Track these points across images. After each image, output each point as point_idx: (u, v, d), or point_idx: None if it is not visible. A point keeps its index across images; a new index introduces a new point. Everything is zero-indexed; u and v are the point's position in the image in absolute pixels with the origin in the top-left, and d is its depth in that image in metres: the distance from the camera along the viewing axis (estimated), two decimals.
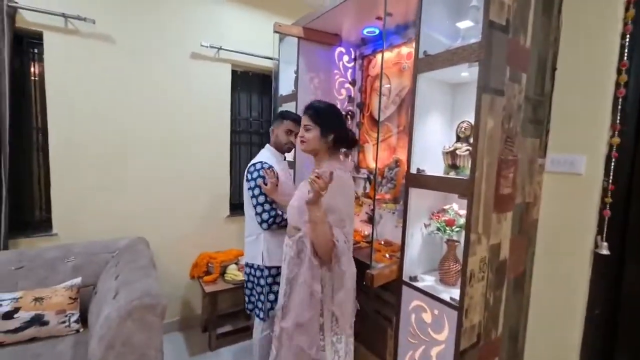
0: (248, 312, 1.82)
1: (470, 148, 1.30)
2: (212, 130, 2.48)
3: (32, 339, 1.53)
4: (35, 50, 1.98)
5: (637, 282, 1.32)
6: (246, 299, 1.80)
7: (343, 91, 2.49)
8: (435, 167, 1.41)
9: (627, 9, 1.24)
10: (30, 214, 2.04)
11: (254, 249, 1.71)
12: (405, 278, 1.44)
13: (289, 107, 2.39)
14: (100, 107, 2.05)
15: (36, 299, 1.55)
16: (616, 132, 1.28)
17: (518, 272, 1.45)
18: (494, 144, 1.19)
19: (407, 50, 2.10)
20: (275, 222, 1.62)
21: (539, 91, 1.38)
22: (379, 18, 1.99)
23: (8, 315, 1.48)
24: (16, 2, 1.75)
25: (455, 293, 1.30)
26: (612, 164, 1.28)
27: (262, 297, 1.70)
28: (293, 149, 1.92)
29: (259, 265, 1.69)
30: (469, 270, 1.18)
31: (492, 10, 1.09)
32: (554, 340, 1.46)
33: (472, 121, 1.34)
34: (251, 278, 1.75)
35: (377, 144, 1.55)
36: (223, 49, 2.39)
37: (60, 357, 1.44)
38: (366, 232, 2.08)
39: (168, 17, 2.21)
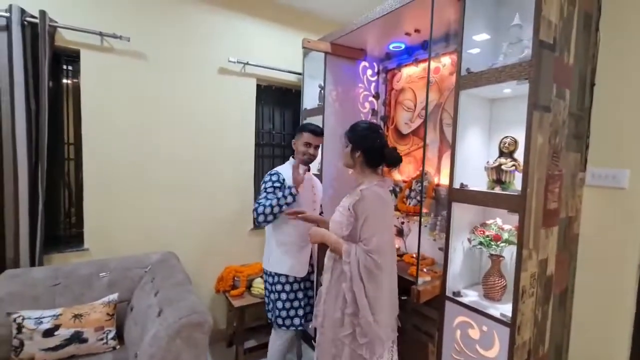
0: (269, 321, 1.85)
1: (515, 163, 1.31)
2: (237, 143, 2.50)
3: (71, 357, 1.51)
4: (70, 68, 2.01)
5: None
6: (266, 306, 1.88)
7: (367, 104, 2.52)
8: (474, 181, 1.42)
9: None
10: (60, 228, 2.05)
11: (266, 253, 1.82)
12: (448, 293, 1.44)
13: (314, 120, 2.41)
14: (132, 122, 2.08)
15: (75, 316, 1.54)
16: None
17: (562, 288, 1.44)
18: (542, 159, 1.20)
19: (433, 64, 2.14)
20: (258, 213, 1.59)
21: (580, 106, 1.39)
22: (407, 34, 2.03)
23: (49, 333, 1.47)
24: (56, 22, 1.79)
25: (501, 309, 1.29)
26: None
27: (271, 303, 1.79)
28: (313, 161, 1.89)
29: (265, 270, 1.79)
30: (521, 286, 1.18)
31: (542, 30, 1.11)
32: (600, 354, 1.44)
33: (514, 136, 1.37)
34: (265, 283, 1.84)
35: (424, 158, 1.53)
36: (249, 64, 2.43)
37: None
38: (397, 246, 2.07)
39: (197, 33, 2.25)
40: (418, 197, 2.09)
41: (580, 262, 1.50)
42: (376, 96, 2.54)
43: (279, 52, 2.60)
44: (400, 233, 2.14)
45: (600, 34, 1.43)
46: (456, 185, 1.39)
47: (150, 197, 2.17)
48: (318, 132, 1.80)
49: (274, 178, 1.72)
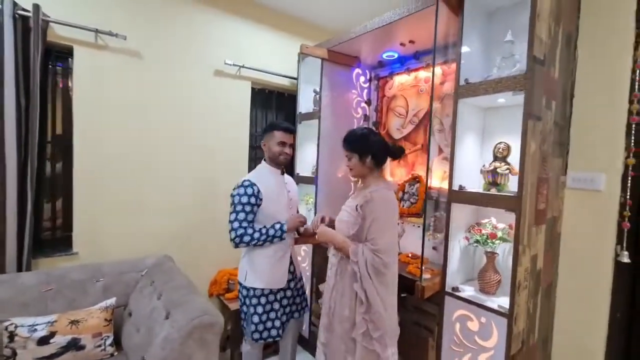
0: (243, 333, 1.75)
1: (509, 167, 1.43)
2: (232, 146, 2.49)
3: None
4: (60, 64, 1.94)
5: None
6: (241, 319, 1.76)
7: (359, 110, 2.61)
8: (468, 183, 1.52)
9: (636, 48, 1.44)
10: (46, 231, 1.95)
11: (242, 267, 1.69)
12: (447, 289, 1.52)
13: (310, 124, 2.47)
14: (126, 122, 2.02)
15: (72, 322, 1.48)
16: (631, 154, 1.45)
17: (548, 282, 1.57)
18: (535, 164, 1.32)
19: (424, 74, 2.26)
20: (243, 242, 1.54)
21: (562, 116, 1.54)
22: (402, 44, 2.13)
23: (44, 341, 1.40)
24: (48, 17, 1.72)
25: (497, 301, 1.40)
26: (629, 181, 1.45)
27: (246, 318, 1.67)
28: (288, 159, 1.76)
29: (241, 284, 1.66)
30: (517, 280, 1.28)
31: (535, 47, 1.24)
32: (580, 343, 1.58)
33: (508, 142, 1.49)
34: (239, 296, 1.72)
35: (428, 161, 1.61)
36: (245, 67, 2.44)
37: None
38: None
39: (195, 35, 2.24)
40: (411, 199, 2.19)
41: (562, 257, 1.65)
42: (368, 102, 2.63)
43: (274, 57, 2.63)
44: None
45: (578, 51, 1.59)
46: (455, 187, 1.49)
47: (142, 200, 2.12)
48: (291, 129, 1.71)
49: (249, 191, 1.56)
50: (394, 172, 2.48)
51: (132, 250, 2.06)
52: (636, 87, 1.44)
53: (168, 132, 2.18)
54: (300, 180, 2.50)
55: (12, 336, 1.37)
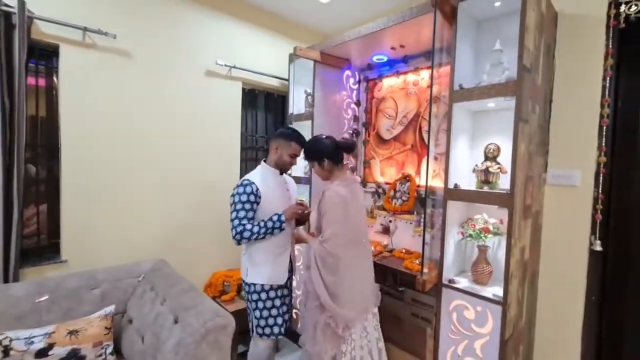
0: (250, 329, 1.76)
1: (500, 166, 1.55)
2: (223, 147, 2.47)
3: None
4: (43, 63, 1.84)
5: (617, 270, 1.66)
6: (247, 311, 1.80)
7: (350, 111, 2.67)
8: (460, 182, 1.62)
9: (606, 58, 1.61)
10: (30, 238, 1.84)
11: (243, 263, 1.73)
12: (444, 281, 1.62)
13: (301, 125, 2.50)
14: (115, 123, 1.96)
15: (71, 332, 1.42)
16: (602, 153, 1.62)
17: (533, 269, 1.71)
18: (523, 162, 1.44)
19: (413, 77, 2.36)
20: (244, 238, 1.56)
21: (543, 119, 1.69)
22: (392, 48, 2.22)
23: (42, 353, 1.34)
24: (32, 13, 1.64)
25: (491, 291, 1.51)
26: (601, 177, 1.62)
27: (250, 313, 1.72)
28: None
29: (244, 280, 1.70)
30: (510, 270, 1.40)
31: (524, 56, 1.35)
32: (560, 323, 1.73)
33: (498, 143, 1.61)
34: (243, 292, 1.78)
35: (428, 161, 1.69)
36: (235, 68, 2.42)
37: None
38: (385, 243, 2.24)
39: (186, 35, 2.20)
40: (403, 197, 2.28)
41: (543, 247, 1.80)
42: (357, 103, 2.70)
43: (264, 57, 2.64)
44: (386, 230, 2.31)
45: (556, 60, 1.74)
46: (450, 186, 1.59)
47: (133, 203, 2.06)
48: (305, 145, 1.73)
49: (248, 190, 1.59)
50: (384, 171, 2.58)
51: (123, 256, 1.99)
52: (606, 93, 1.61)
53: (158, 133, 2.13)
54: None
55: (6, 350, 1.30)
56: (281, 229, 1.63)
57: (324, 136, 1.68)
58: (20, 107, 1.58)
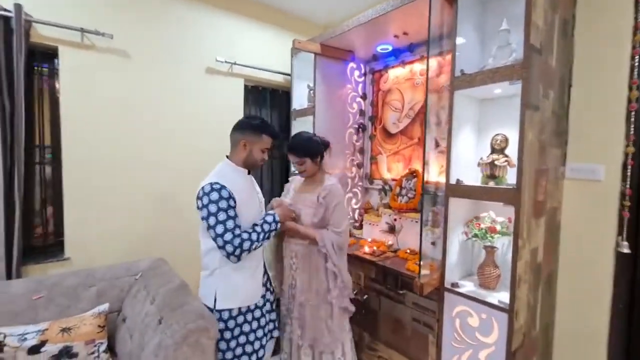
0: None
1: (507, 159, 1.40)
2: (225, 145, 2.44)
3: None
4: (45, 66, 1.88)
5: None
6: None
7: (355, 105, 2.56)
8: (465, 176, 1.49)
9: (634, 34, 1.41)
10: (37, 237, 1.91)
11: (206, 287, 1.43)
12: (447, 285, 1.50)
13: (304, 121, 2.43)
14: (115, 123, 1.98)
15: (63, 330, 1.44)
16: (630, 142, 1.42)
17: (549, 272, 1.55)
18: (533, 155, 1.29)
19: (420, 67, 2.22)
20: (244, 250, 1.30)
21: (560, 106, 1.51)
22: (395, 36, 2.09)
23: (34, 350, 1.36)
24: (31, 17, 1.67)
25: (498, 297, 1.37)
26: (629, 170, 1.43)
27: (224, 352, 1.39)
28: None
29: (212, 309, 1.38)
30: (517, 274, 1.26)
31: (532, 34, 1.20)
32: (583, 333, 1.56)
33: (505, 134, 1.46)
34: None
35: (424, 160, 1.57)
36: (237, 64, 2.39)
37: None
38: (390, 242, 2.13)
39: (184, 32, 2.19)
40: (409, 195, 2.16)
41: (563, 247, 1.62)
42: (363, 97, 2.59)
43: (266, 53, 2.58)
44: (392, 229, 2.19)
45: (575, 39, 1.55)
46: (452, 181, 1.46)
47: (135, 202, 2.07)
48: (280, 137, 1.57)
49: (224, 194, 1.31)
50: (391, 167, 2.45)
51: (125, 254, 2.02)
52: (635, 73, 1.41)
53: (159, 132, 2.14)
54: None
55: (1, 346, 1.33)
56: (277, 230, 1.48)
57: (310, 133, 1.70)
58: (20, 110, 1.62)
